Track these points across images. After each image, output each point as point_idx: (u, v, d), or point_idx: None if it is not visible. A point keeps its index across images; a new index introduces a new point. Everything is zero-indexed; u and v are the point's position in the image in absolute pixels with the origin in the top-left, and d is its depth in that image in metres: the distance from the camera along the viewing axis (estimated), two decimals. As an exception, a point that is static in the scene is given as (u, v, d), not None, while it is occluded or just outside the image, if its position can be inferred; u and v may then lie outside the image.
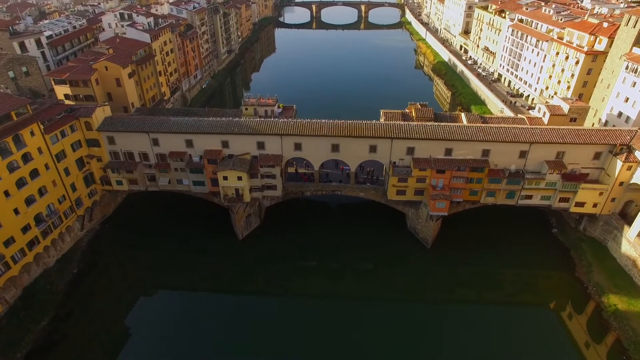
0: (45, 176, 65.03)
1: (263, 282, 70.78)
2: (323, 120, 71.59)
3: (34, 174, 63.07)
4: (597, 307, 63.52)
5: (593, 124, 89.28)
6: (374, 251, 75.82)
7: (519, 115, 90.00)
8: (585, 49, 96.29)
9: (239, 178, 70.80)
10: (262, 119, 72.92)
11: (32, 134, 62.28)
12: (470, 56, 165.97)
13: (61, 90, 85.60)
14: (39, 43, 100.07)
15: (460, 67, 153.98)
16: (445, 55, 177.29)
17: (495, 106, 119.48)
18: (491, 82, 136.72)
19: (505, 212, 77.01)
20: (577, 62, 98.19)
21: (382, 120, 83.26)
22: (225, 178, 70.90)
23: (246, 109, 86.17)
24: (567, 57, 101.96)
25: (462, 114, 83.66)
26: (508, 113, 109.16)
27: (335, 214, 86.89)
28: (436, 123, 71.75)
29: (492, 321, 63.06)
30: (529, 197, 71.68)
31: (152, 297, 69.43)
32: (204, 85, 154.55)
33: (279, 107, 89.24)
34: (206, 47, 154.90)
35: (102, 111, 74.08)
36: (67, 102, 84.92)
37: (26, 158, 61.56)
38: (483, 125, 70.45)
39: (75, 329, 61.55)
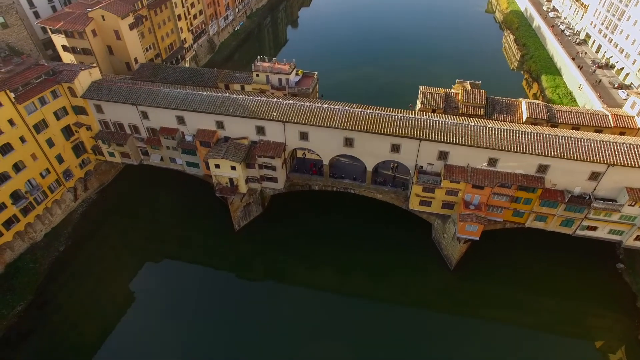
0: (21, 150, 58.64)
1: (267, 270, 65.74)
2: (336, 107, 57.48)
3: (6, 149, 56.67)
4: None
5: None
6: (390, 254, 66.14)
7: (603, 105, 69.27)
8: None
9: (233, 167, 60.52)
10: (263, 99, 59.99)
11: None
12: (554, 6, 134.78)
13: (59, 41, 76.88)
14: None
15: (538, 21, 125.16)
16: (522, 2, 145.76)
17: (574, 80, 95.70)
18: (577, 47, 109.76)
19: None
20: (701, 35, 72.60)
21: (419, 102, 67.41)
22: (217, 166, 60.95)
23: (257, 75, 72.93)
24: (688, 25, 75.90)
25: (523, 102, 65.28)
26: (588, 93, 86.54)
27: (350, 206, 74.86)
28: (482, 124, 54.78)
29: (518, 346, 54.56)
30: (593, 228, 55.44)
31: (157, 265, 66.76)
32: (237, 27, 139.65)
33: (297, 74, 74.99)
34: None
35: (89, 74, 64.60)
36: (63, 54, 77.04)
37: (-7, 133, 54.84)
38: (545, 132, 52.73)
39: (67, 302, 60.35)
